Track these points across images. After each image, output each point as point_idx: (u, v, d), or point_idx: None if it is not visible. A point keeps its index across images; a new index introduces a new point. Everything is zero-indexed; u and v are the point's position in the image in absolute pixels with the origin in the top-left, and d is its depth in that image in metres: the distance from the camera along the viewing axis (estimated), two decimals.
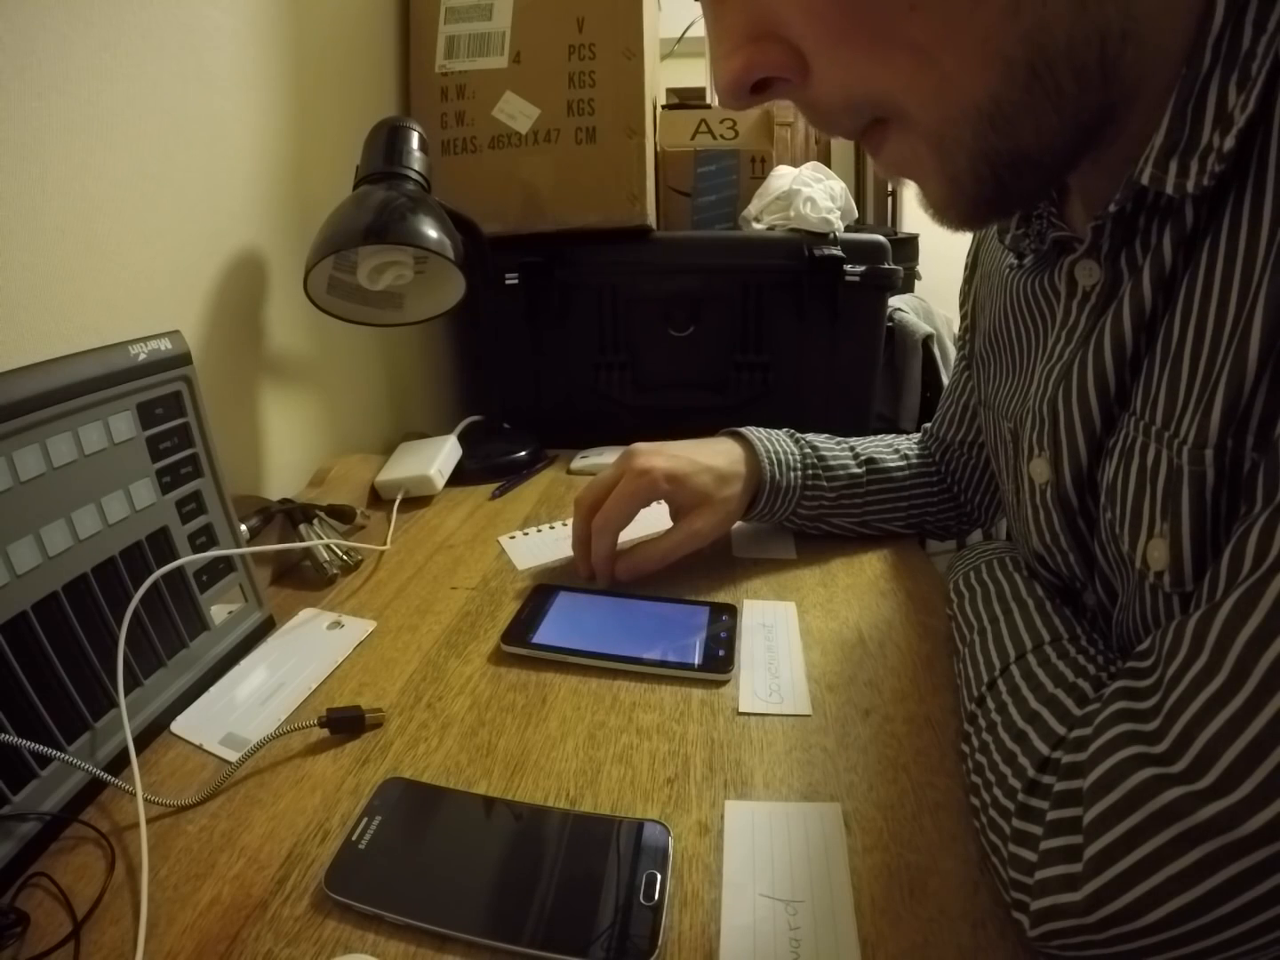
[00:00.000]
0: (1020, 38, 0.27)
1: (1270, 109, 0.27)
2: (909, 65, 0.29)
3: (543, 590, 0.58)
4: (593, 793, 0.39)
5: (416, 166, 0.70)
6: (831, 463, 0.63)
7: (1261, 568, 0.25)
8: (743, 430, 0.64)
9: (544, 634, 0.52)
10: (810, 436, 0.65)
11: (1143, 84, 0.30)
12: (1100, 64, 0.29)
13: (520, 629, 0.53)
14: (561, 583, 0.60)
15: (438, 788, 0.40)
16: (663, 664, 0.49)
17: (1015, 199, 0.35)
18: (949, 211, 0.33)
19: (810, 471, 0.62)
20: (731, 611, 0.55)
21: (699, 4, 0.33)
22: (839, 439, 0.66)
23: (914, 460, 0.66)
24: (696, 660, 0.49)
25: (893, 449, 0.67)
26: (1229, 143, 0.28)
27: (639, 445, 0.61)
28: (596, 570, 0.59)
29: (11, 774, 0.36)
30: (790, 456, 0.62)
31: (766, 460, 0.61)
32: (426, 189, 0.71)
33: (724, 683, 0.48)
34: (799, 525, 0.65)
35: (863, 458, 0.64)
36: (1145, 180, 0.31)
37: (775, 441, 0.63)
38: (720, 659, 0.49)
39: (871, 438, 0.69)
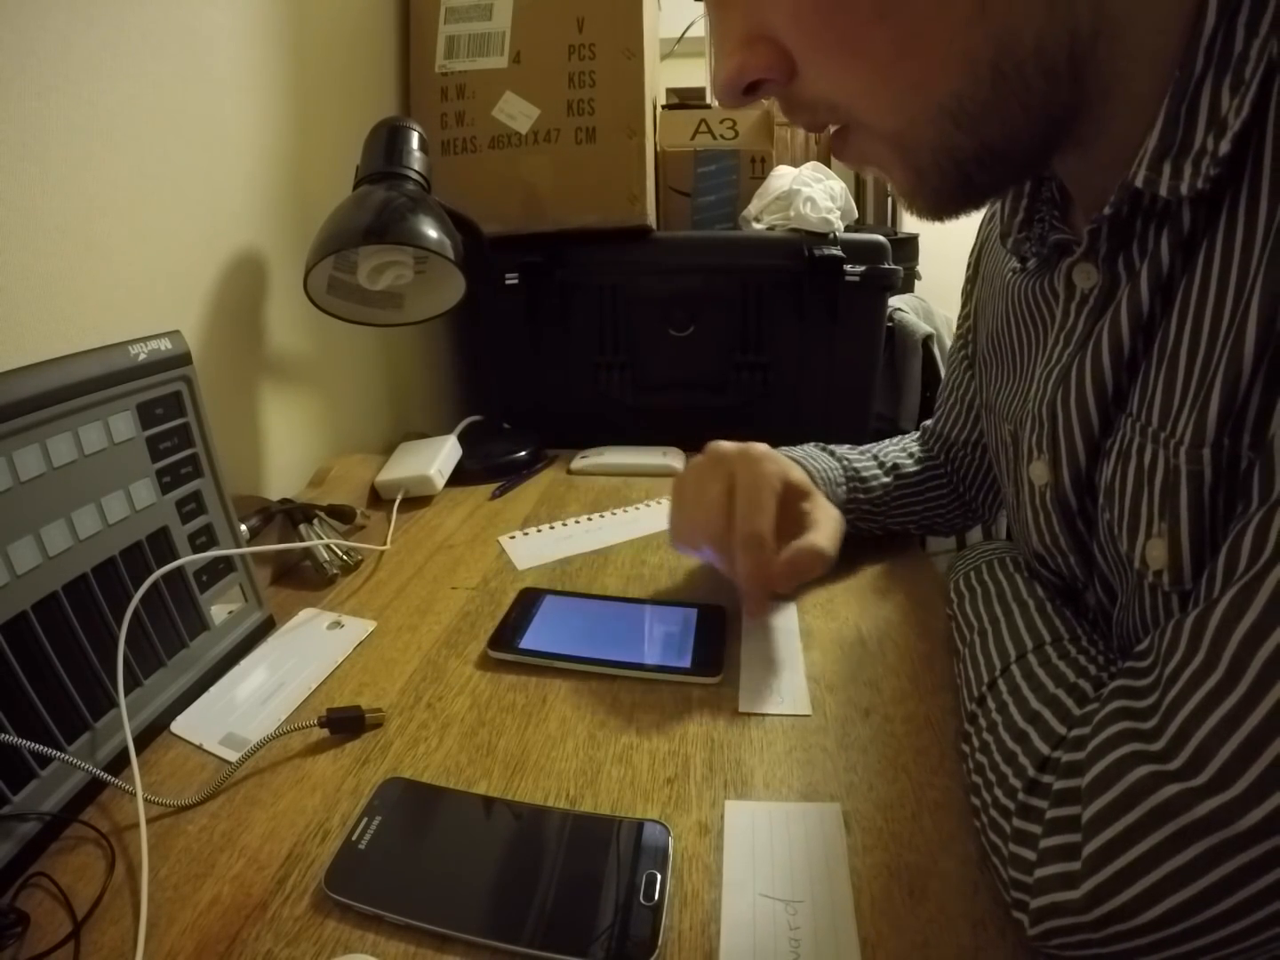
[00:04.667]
0: (986, 39, 0.29)
1: (1264, 113, 0.27)
2: (872, 76, 0.31)
3: (529, 594, 0.58)
4: (593, 793, 0.39)
5: (416, 166, 0.70)
6: (865, 475, 0.63)
7: (1256, 565, 0.25)
8: (783, 450, 0.61)
9: (530, 639, 0.52)
10: (840, 449, 0.65)
11: (1122, 80, 0.31)
12: (1070, 62, 0.29)
13: (507, 634, 0.52)
14: (550, 586, 0.60)
15: (438, 788, 0.40)
16: (649, 667, 0.49)
17: (981, 191, 0.36)
18: (915, 200, 0.35)
19: (851, 485, 0.62)
20: (720, 612, 0.55)
21: (702, 6, 0.34)
22: (860, 449, 0.66)
23: (923, 459, 0.66)
24: (684, 663, 0.49)
25: (906, 452, 0.67)
26: (1224, 147, 0.28)
27: (713, 446, 0.54)
28: (757, 591, 0.50)
29: (11, 774, 0.36)
30: (834, 473, 0.61)
31: (821, 479, 0.59)
32: (426, 189, 0.71)
33: (713, 684, 0.48)
34: None
35: (887, 465, 0.64)
36: (1139, 183, 0.31)
37: (817, 460, 0.61)
38: (708, 660, 0.49)
39: (883, 442, 0.69)
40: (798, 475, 0.54)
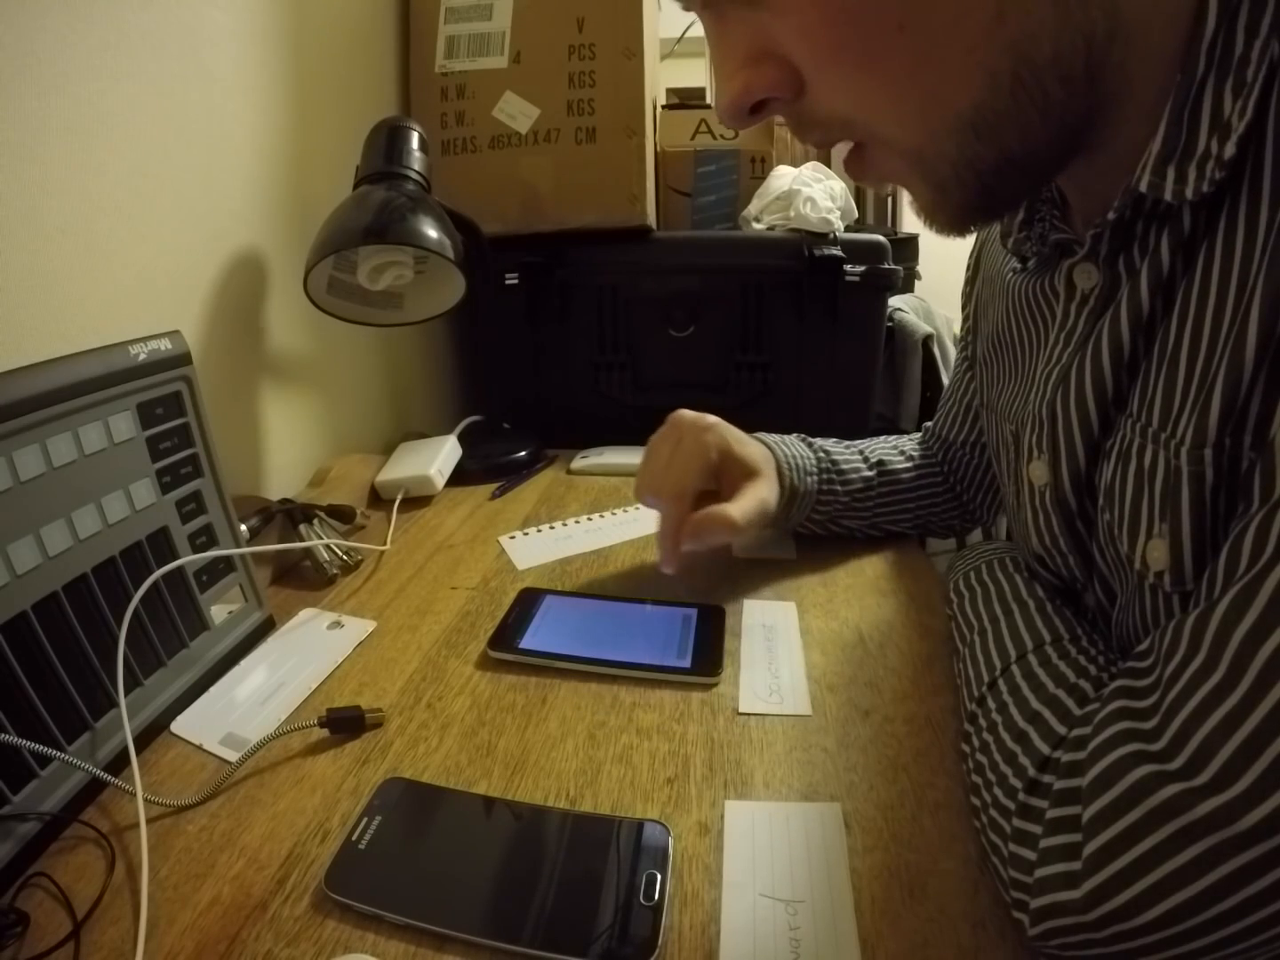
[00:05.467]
0: (1005, 48, 0.28)
1: (1265, 115, 0.27)
2: (892, 90, 0.30)
3: (529, 594, 0.58)
4: (593, 793, 0.39)
5: (416, 166, 0.70)
6: (844, 467, 0.62)
7: (1257, 565, 0.25)
8: (756, 435, 0.62)
9: (531, 639, 0.52)
10: (820, 441, 0.65)
11: (1132, 84, 0.31)
12: (1086, 67, 0.29)
13: (507, 634, 0.53)
14: (550, 586, 0.60)
15: (438, 788, 0.40)
16: (650, 668, 0.49)
17: (1002, 202, 0.35)
18: (937, 215, 0.34)
19: (825, 476, 0.62)
20: (720, 613, 0.55)
21: (702, 28, 0.34)
22: (846, 443, 0.66)
23: (919, 460, 0.66)
24: (684, 663, 0.49)
25: (898, 450, 0.67)
26: (1230, 150, 0.28)
27: (675, 414, 0.58)
28: (666, 547, 0.54)
29: (11, 774, 0.36)
30: (806, 461, 0.61)
31: (786, 464, 0.60)
32: (426, 189, 0.71)
33: (713, 685, 0.48)
34: (809, 530, 0.64)
35: (872, 460, 0.64)
36: (1144, 188, 0.31)
37: (790, 446, 0.62)
38: (708, 660, 0.49)
39: (876, 439, 0.69)
40: (747, 452, 0.57)
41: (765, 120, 0.34)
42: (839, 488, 0.62)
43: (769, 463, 0.59)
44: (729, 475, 0.57)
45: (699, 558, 0.59)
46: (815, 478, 0.61)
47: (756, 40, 0.31)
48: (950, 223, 0.35)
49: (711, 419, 0.57)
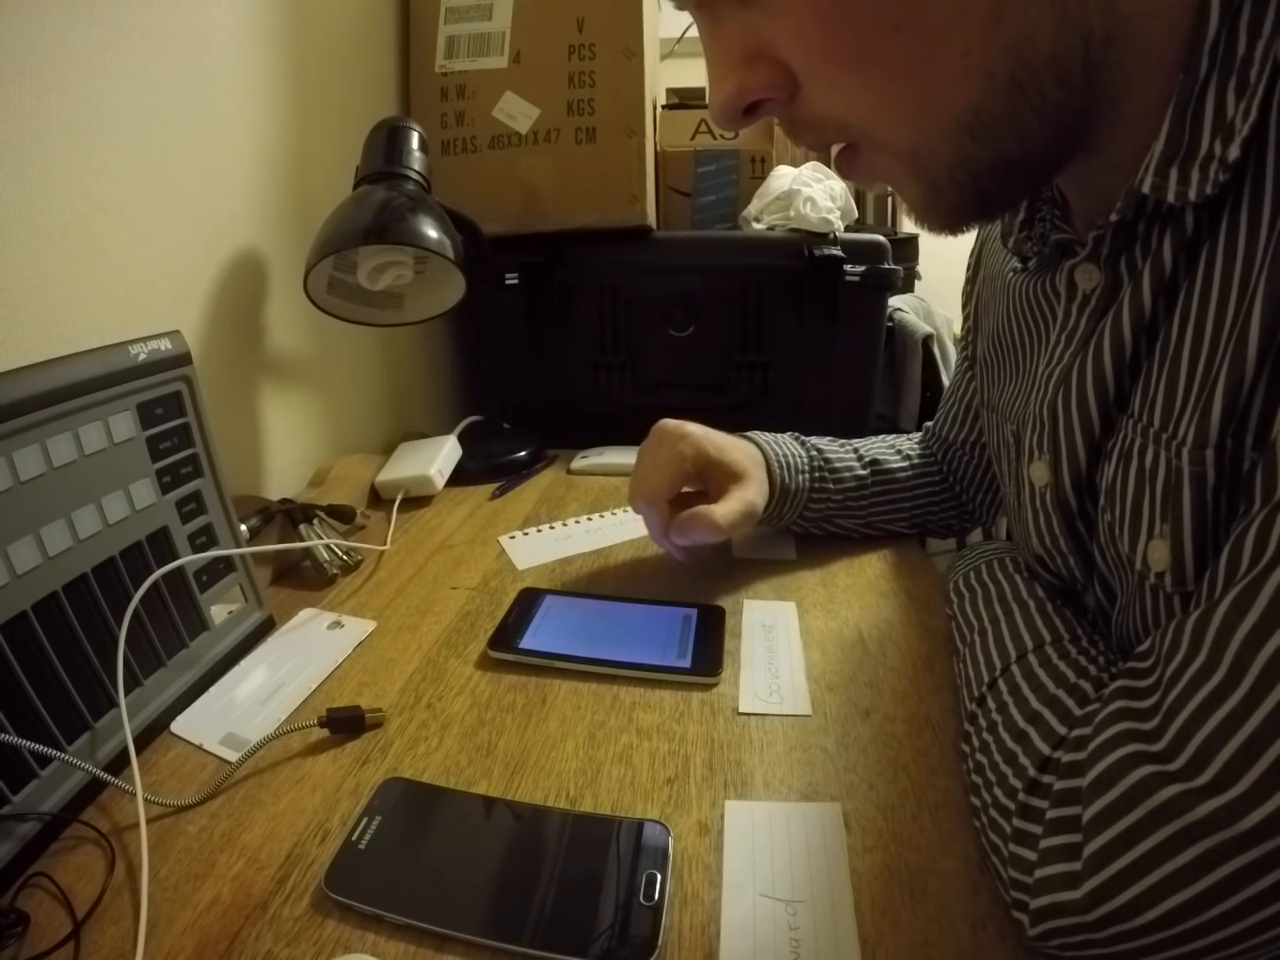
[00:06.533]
0: (1003, 50, 0.28)
1: (1267, 115, 0.27)
2: (886, 92, 0.30)
3: (529, 594, 0.58)
4: (593, 793, 0.39)
5: (416, 166, 0.70)
6: (837, 465, 0.62)
7: (1258, 566, 0.25)
8: (748, 434, 0.63)
9: (531, 639, 0.52)
10: (814, 440, 0.65)
11: (1131, 86, 0.30)
12: (1084, 68, 0.29)
13: (507, 634, 0.53)
14: (550, 586, 0.60)
15: (438, 788, 0.40)
16: (650, 668, 0.49)
17: (996, 203, 0.35)
18: (929, 215, 0.34)
19: (817, 474, 0.62)
20: (720, 613, 0.55)
21: (696, 28, 0.34)
22: (841, 441, 0.66)
23: (916, 460, 0.66)
24: (684, 663, 0.49)
25: (894, 449, 0.66)
26: (1234, 152, 0.28)
27: (659, 423, 0.59)
28: (663, 545, 0.58)
29: (11, 774, 0.36)
30: (798, 459, 0.61)
31: (776, 463, 0.60)
32: (426, 189, 0.71)
33: (713, 685, 0.48)
34: (804, 529, 0.64)
35: (867, 459, 0.64)
36: (1147, 189, 0.31)
37: (782, 445, 0.62)
38: (708, 660, 0.49)
39: (873, 438, 0.69)
40: (730, 457, 0.58)
41: (761, 121, 0.34)
42: (831, 485, 0.62)
43: (758, 464, 0.59)
44: (715, 480, 0.58)
45: (702, 552, 0.60)
46: (807, 475, 0.61)
47: (750, 41, 0.31)
48: (943, 223, 0.34)
49: (690, 428, 0.58)
